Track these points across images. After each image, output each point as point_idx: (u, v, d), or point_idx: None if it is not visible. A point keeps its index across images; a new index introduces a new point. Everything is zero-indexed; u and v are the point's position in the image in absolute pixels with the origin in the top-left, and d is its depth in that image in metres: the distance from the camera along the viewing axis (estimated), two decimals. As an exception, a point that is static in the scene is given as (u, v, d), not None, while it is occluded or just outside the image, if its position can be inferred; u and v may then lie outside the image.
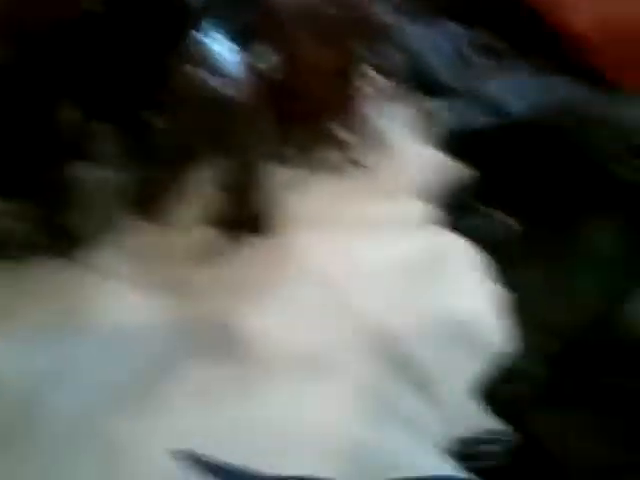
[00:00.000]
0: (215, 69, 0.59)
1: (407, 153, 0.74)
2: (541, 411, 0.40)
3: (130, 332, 0.56)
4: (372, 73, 0.83)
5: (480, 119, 0.58)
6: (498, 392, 0.42)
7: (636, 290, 0.34)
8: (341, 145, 0.81)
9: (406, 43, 0.91)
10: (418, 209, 0.65)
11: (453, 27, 0.93)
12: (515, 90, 0.63)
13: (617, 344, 0.35)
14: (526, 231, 0.36)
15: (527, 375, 0.40)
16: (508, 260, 0.40)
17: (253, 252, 0.69)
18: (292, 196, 0.77)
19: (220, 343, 0.56)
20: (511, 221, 0.43)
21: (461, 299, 0.61)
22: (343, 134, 0.82)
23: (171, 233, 0.68)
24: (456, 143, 0.58)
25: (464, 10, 0.96)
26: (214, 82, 0.56)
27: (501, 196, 0.39)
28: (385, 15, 0.78)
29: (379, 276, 0.65)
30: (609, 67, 0.82)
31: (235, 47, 0.67)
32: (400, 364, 0.55)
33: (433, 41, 0.89)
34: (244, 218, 0.72)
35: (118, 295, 0.60)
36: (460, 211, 0.48)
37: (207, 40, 0.65)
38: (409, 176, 0.73)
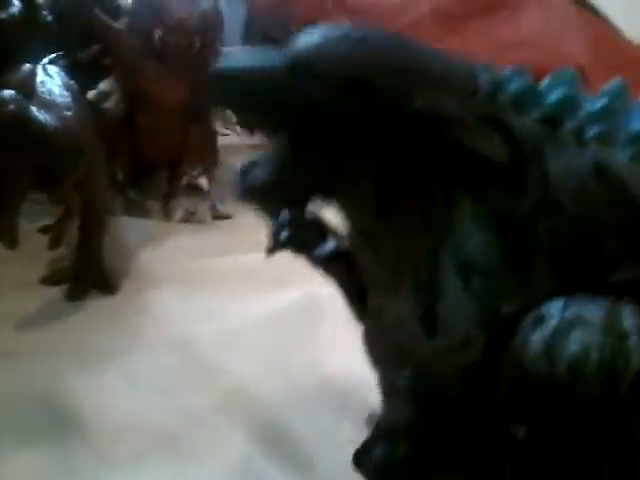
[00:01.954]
0: (40, 101, 0.52)
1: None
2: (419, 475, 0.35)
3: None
4: (230, 114, 0.79)
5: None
6: (373, 458, 0.36)
7: (522, 315, 0.30)
8: (201, 193, 0.77)
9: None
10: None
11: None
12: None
13: (506, 386, 0.30)
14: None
15: (402, 434, 0.35)
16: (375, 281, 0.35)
17: (99, 314, 0.60)
18: (148, 249, 0.71)
19: (49, 424, 0.46)
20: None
21: (334, 355, 0.55)
22: (202, 181, 0.78)
23: (3, 295, 0.59)
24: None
25: None
26: (35, 113, 0.49)
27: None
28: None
29: (246, 336, 0.58)
30: None
31: (70, 82, 0.60)
32: (271, 438, 0.47)
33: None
34: (90, 275, 0.63)
35: None
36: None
37: (40, 73, 0.58)
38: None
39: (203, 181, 0.78)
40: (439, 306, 0.30)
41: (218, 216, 0.77)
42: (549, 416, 0.29)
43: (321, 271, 0.39)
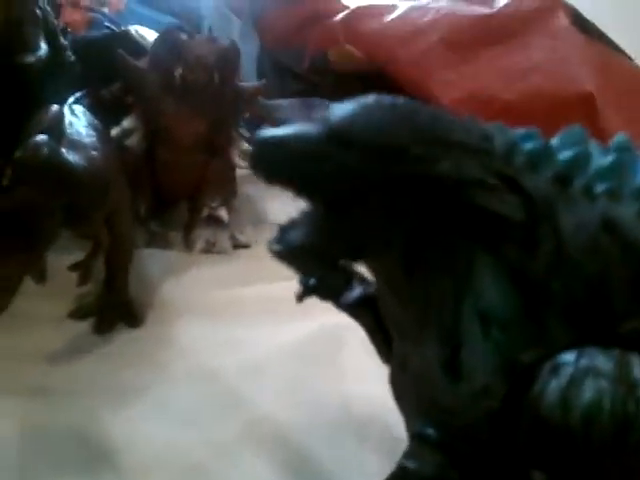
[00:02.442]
0: (69, 142, 0.54)
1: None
2: None
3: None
4: (248, 147, 0.81)
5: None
6: (414, 473, 0.37)
7: (539, 364, 0.31)
8: (221, 224, 0.79)
9: (281, 116, 0.91)
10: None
11: (331, 104, 0.94)
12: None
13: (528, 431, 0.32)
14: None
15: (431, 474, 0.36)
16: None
17: (126, 347, 0.61)
18: (171, 281, 0.73)
19: (82, 457, 0.47)
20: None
21: (357, 384, 0.57)
22: (222, 213, 0.80)
23: (33, 330, 0.61)
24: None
25: (344, 89, 0.99)
26: (65, 155, 0.51)
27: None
28: (257, 85, 0.76)
29: (269, 366, 0.59)
30: None
31: (96, 121, 0.62)
32: (296, 468, 0.48)
33: (308, 116, 0.90)
34: (116, 308, 0.64)
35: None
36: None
37: (67, 113, 0.60)
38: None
39: (223, 212, 0.80)
40: (462, 354, 0.31)
41: (238, 245, 0.79)
42: (565, 461, 0.30)
43: (348, 315, 0.41)
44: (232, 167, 0.77)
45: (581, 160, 0.34)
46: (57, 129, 0.55)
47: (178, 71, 0.67)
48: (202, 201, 0.77)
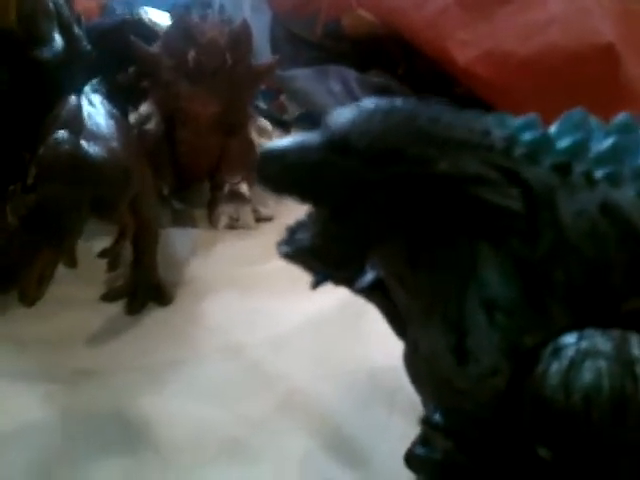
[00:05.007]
0: (89, 134, 0.55)
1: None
2: None
3: (26, 427, 0.50)
4: (264, 123, 0.82)
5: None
6: (423, 459, 0.39)
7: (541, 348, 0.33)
8: (242, 199, 0.80)
9: (297, 87, 0.91)
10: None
11: (345, 71, 0.94)
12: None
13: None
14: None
15: (439, 467, 0.39)
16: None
17: (158, 326, 0.64)
18: (197, 258, 0.75)
19: (121, 436, 0.50)
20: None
21: (382, 350, 0.58)
22: (244, 188, 0.82)
23: (68, 316, 0.63)
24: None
25: (358, 55, 0.99)
26: (87, 148, 0.53)
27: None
28: (270, 63, 0.77)
29: (297, 337, 0.61)
30: (494, 96, 0.85)
31: (114, 110, 0.63)
32: (328, 436, 0.50)
33: (325, 84, 0.90)
34: (146, 289, 0.67)
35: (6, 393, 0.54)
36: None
37: (84, 104, 0.62)
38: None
39: (244, 187, 0.81)
40: (469, 339, 0.33)
41: (260, 219, 0.81)
42: (568, 440, 0.32)
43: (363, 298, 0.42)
44: (250, 144, 0.79)
45: (580, 147, 0.35)
46: (76, 123, 0.56)
47: (191, 54, 0.68)
48: (223, 178, 0.79)
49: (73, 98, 0.61)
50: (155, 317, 0.65)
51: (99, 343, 0.61)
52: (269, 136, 0.80)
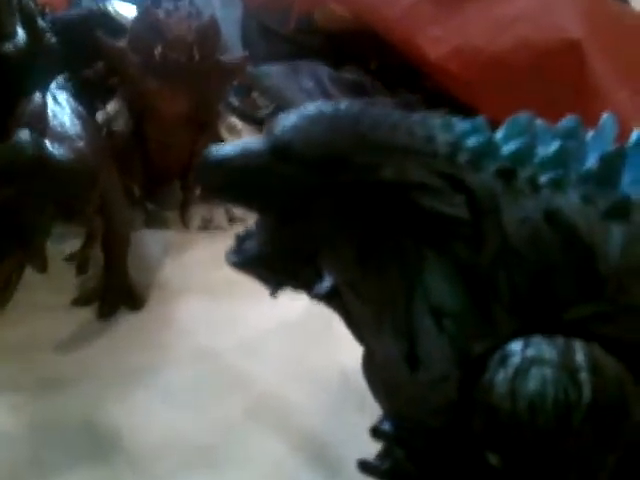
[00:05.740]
0: (54, 134, 0.53)
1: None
2: None
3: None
4: (234, 121, 0.81)
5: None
6: (373, 468, 0.39)
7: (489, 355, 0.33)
8: (216, 201, 0.78)
9: (269, 84, 0.90)
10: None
11: (317, 67, 0.93)
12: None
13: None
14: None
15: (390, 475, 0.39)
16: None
17: (130, 330, 0.62)
18: (169, 261, 0.73)
19: (93, 444, 0.49)
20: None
21: (352, 353, 0.58)
22: None
23: (38, 321, 0.61)
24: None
25: (331, 50, 0.98)
26: (50, 149, 0.51)
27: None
28: (240, 59, 0.75)
29: (267, 343, 0.61)
30: (465, 91, 0.85)
31: (80, 108, 0.61)
32: (301, 439, 0.49)
33: (297, 81, 0.89)
34: (118, 292, 0.65)
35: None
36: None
37: (49, 102, 0.59)
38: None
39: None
40: (419, 346, 0.33)
41: (233, 219, 0.79)
42: (516, 446, 0.32)
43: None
44: (220, 142, 0.77)
45: (525, 152, 0.35)
46: (41, 123, 0.54)
47: (158, 50, 0.66)
48: (194, 178, 0.77)
49: (37, 96, 0.59)
50: (126, 322, 0.64)
51: (69, 349, 0.60)
52: (239, 134, 0.78)
